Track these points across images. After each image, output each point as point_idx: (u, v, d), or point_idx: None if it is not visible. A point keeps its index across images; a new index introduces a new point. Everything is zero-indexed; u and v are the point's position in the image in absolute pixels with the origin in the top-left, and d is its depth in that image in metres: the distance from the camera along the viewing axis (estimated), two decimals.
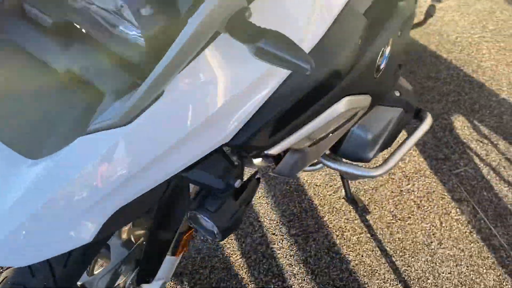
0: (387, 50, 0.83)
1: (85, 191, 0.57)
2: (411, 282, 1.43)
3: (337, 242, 1.53)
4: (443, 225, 1.55)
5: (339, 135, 0.90)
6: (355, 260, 1.48)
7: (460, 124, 1.85)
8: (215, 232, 0.74)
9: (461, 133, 1.82)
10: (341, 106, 0.75)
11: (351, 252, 1.50)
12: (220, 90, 0.59)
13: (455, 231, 1.53)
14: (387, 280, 1.43)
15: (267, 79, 0.63)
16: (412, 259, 1.48)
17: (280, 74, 0.64)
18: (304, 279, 1.45)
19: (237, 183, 0.68)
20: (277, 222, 1.58)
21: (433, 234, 1.53)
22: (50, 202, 0.57)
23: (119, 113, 0.54)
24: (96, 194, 0.58)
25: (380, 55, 0.80)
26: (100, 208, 0.60)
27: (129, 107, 0.53)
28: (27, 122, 0.61)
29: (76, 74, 0.60)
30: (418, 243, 1.51)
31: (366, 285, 1.43)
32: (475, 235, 1.52)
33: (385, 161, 1.11)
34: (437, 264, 1.46)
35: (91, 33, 0.59)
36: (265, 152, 0.71)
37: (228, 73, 0.59)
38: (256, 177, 0.78)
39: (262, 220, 1.59)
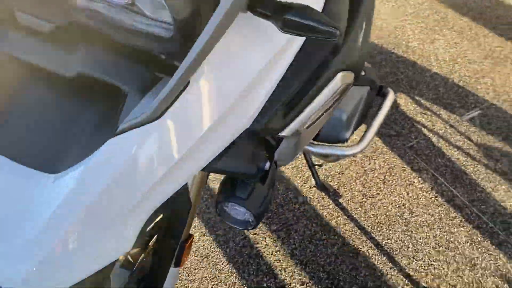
0: (363, 25, 0.87)
1: (122, 194, 0.54)
2: (394, 253, 1.49)
3: (318, 229, 1.56)
4: (410, 195, 1.64)
5: (330, 115, 0.93)
6: (338, 243, 1.52)
7: (403, 101, 1.97)
8: (250, 220, 0.73)
9: (406, 109, 1.94)
10: (338, 81, 0.77)
11: (332, 236, 1.53)
12: (240, 74, 0.58)
13: (421, 199, 1.63)
14: (372, 256, 1.48)
15: (278, 59, 0.64)
16: (390, 232, 1.54)
17: (290, 53, 0.65)
18: (295, 271, 1.45)
19: (267, 166, 0.67)
20: None
21: (403, 205, 1.61)
22: (87, 213, 0.52)
23: (148, 108, 0.52)
24: (134, 197, 0.54)
25: (360, 31, 0.84)
26: (138, 211, 0.56)
27: (159, 101, 0.51)
28: (41, 136, 0.56)
29: (89, 76, 0.56)
30: (391, 216, 1.58)
31: (354, 265, 1.47)
32: (439, 199, 1.63)
33: (363, 137, 1.16)
34: (413, 232, 1.54)
35: (102, 32, 0.56)
36: (279, 134, 0.71)
37: (245, 56, 0.59)
38: (274, 160, 0.78)
39: None
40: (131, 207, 0.55)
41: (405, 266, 1.46)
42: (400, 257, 1.48)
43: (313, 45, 0.67)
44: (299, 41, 0.66)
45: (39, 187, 0.53)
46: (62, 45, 0.57)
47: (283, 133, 0.72)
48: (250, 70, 0.59)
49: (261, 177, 0.71)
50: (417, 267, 1.46)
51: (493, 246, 1.50)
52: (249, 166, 0.67)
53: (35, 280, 0.53)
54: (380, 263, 1.47)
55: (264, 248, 1.51)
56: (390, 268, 1.46)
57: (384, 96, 1.26)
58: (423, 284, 1.42)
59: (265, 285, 1.43)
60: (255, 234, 1.55)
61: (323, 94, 0.75)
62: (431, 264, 1.47)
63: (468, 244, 1.51)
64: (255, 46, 0.60)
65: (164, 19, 0.54)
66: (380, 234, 1.54)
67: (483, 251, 1.49)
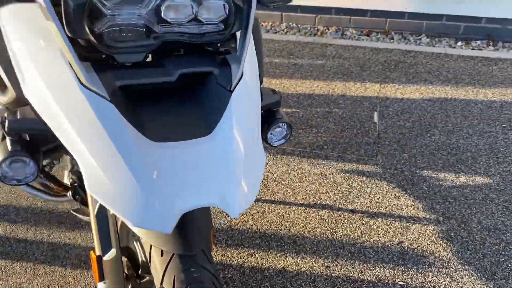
0: None
1: (253, 123, 0.84)
2: (280, 199, 1.99)
3: (228, 219, 1.89)
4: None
5: None
6: (246, 217, 1.90)
7: None
8: (289, 131, 1.07)
9: None
10: None
11: (240, 217, 1.91)
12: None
13: (270, 161, 2.18)
14: (270, 209, 1.94)
15: None
16: (271, 187, 2.03)
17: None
18: (240, 253, 1.76)
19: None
20: None
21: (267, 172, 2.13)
22: (245, 143, 0.80)
23: (238, 72, 0.85)
24: (256, 123, 0.85)
25: None
26: (259, 133, 0.87)
27: (241, 67, 0.85)
28: (181, 120, 0.79)
29: (187, 73, 0.83)
30: (266, 179, 2.07)
31: (268, 222, 1.88)
32: (281, 155, 2.22)
33: None
34: (297, 179, 2.08)
35: (180, 41, 0.82)
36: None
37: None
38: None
39: None
40: (257, 131, 0.85)
41: (293, 197, 1.98)
42: (288, 196, 1.99)
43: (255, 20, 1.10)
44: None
45: (211, 144, 0.77)
46: (154, 62, 0.81)
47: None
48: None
49: None
50: (302, 196, 2.00)
51: (324, 161, 2.20)
52: (277, 96, 1.04)
53: (243, 198, 0.77)
54: (279, 209, 1.94)
55: None
56: (286, 205, 1.95)
57: None
58: (311, 202, 1.97)
59: (229, 275, 1.69)
60: None
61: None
62: (306, 191, 2.03)
63: (311, 165, 2.15)
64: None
65: (213, 21, 0.85)
66: (265, 193, 2.01)
67: (320, 163, 2.17)
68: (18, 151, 0.79)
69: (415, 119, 2.52)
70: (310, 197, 2.00)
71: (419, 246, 1.78)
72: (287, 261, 1.72)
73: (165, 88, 0.84)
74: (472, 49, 3.29)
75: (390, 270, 1.68)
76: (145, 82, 0.80)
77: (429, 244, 1.79)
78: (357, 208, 1.95)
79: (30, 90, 0.79)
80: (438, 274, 1.67)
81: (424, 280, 1.65)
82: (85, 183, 0.72)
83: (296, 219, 1.90)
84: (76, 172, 1.28)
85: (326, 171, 2.14)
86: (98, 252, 1.04)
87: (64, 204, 1.93)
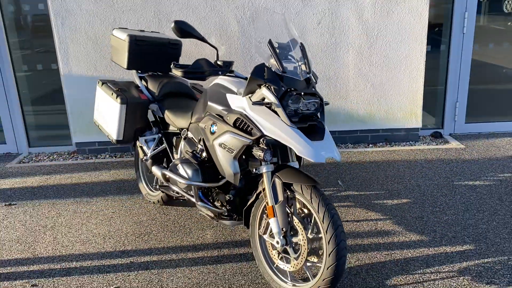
0: None
1: (330, 136, 2.56)
2: None
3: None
4: None
5: None
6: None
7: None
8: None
9: None
10: None
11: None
12: None
13: None
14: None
15: None
16: None
17: None
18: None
19: None
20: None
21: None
22: (332, 140, 2.54)
23: (325, 122, 2.60)
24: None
25: None
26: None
27: (325, 120, 2.61)
28: (316, 135, 2.50)
29: (310, 123, 2.55)
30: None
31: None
32: None
33: None
34: None
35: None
36: None
37: None
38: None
39: None
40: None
41: None
42: None
43: None
44: None
45: (325, 142, 2.46)
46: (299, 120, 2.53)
47: None
48: None
49: None
50: None
51: None
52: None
53: (338, 156, 2.47)
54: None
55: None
56: None
57: None
58: None
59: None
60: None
61: None
62: None
63: None
64: None
65: (313, 108, 2.61)
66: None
67: None
68: (272, 152, 2.46)
69: (362, 181, 4.36)
70: None
71: (386, 227, 3.45)
72: None
73: (302, 128, 2.55)
74: (379, 147, 5.42)
75: (379, 238, 3.31)
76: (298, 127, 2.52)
77: (389, 227, 3.48)
78: (349, 219, 3.61)
79: (267, 131, 2.47)
80: (399, 235, 3.34)
81: (392, 240, 3.30)
82: (297, 152, 2.38)
83: None
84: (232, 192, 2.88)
85: None
86: (271, 203, 2.60)
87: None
